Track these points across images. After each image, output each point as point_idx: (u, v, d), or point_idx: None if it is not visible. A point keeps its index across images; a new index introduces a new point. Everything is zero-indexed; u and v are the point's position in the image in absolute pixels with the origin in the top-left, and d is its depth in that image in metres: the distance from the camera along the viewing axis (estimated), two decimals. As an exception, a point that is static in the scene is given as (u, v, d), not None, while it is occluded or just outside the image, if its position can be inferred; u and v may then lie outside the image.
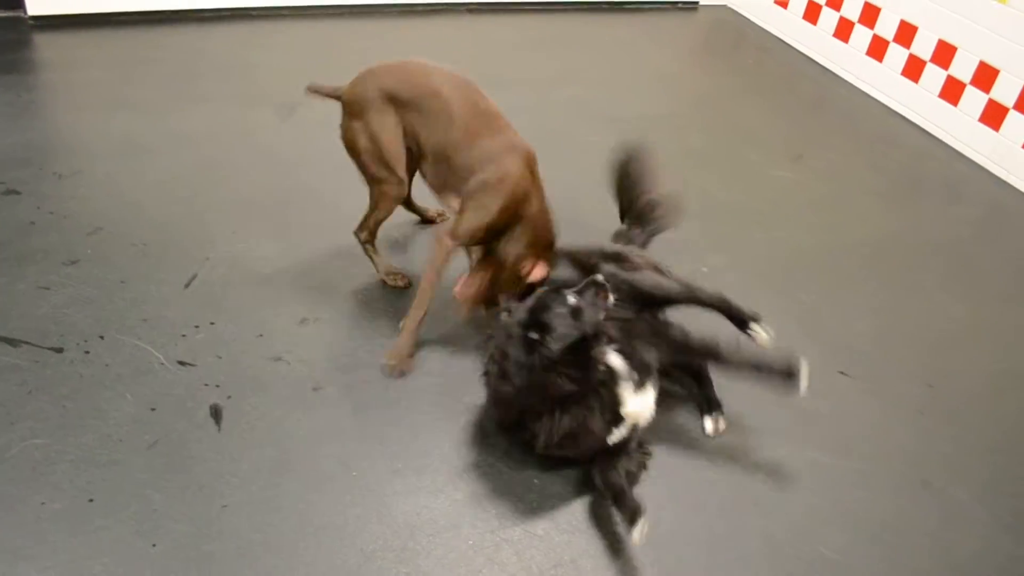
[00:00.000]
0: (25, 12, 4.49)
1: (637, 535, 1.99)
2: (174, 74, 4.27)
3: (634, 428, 2.26)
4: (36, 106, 3.85)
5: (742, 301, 2.97)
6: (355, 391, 2.48)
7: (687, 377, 2.64)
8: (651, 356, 2.32)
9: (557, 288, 2.20)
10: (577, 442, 2.19)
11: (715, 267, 3.25)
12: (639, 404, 2.24)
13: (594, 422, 2.17)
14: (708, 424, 2.51)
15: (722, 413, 2.53)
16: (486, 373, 2.26)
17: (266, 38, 4.79)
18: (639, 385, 2.24)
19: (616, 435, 2.22)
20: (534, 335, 2.08)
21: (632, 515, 2.03)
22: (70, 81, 4.11)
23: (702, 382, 2.59)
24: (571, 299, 2.14)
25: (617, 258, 2.56)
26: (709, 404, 2.55)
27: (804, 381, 2.28)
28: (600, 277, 2.21)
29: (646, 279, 2.47)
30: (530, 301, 2.18)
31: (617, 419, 2.20)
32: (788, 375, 2.29)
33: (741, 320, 2.41)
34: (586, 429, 2.17)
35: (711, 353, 2.38)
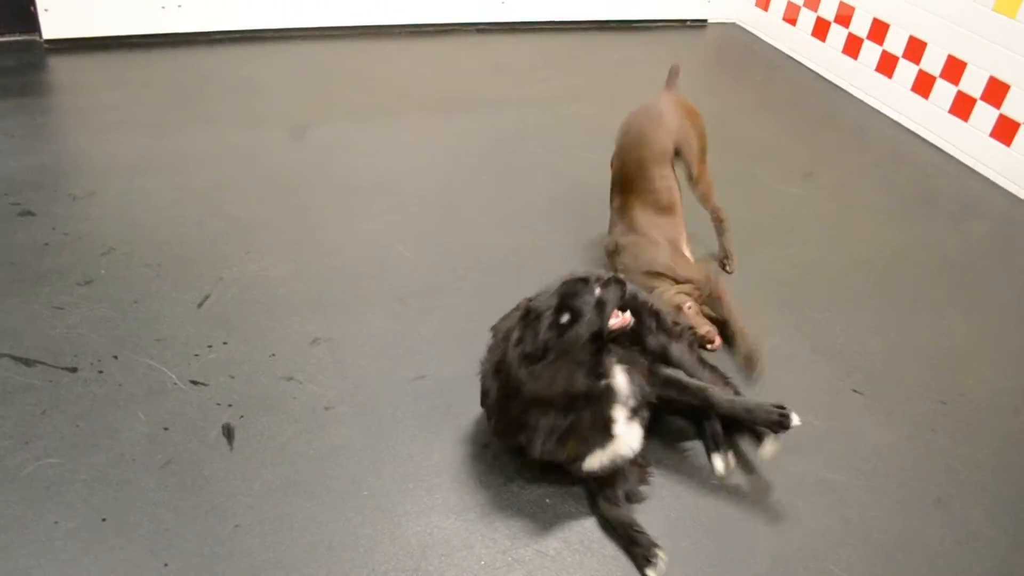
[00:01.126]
0: (40, 35, 4.55)
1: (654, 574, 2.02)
2: (185, 96, 4.32)
3: (615, 459, 2.21)
4: (50, 128, 3.89)
5: (753, 319, 3.00)
6: (366, 411, 2.49)
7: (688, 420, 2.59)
8: (647, 390, 2.30)
9: (584, 278, 2.17)
10: (567, 447, 2.16)
11: (726, 285, 3.24)
12: (628, 432, 2.21)
13: (586, 430, 2.15)
14: (718, 463, 2.42)
15: (731, 448, 2.47)
16: (488, 370, 2.26)
17: (275, 60, 4.84)
18: (632, 413, 2.22)
19: (599, 459, 2.18)
20: (565, 319, 2.06)
21: (647, 553, 2.05)
22: (83, 103, 4.16)
23: (706, 420, 2.51)
24: (597, 290, 2.12)
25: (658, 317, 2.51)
26: (716, 442, 2.46)
27: (792, 425, 2.25)
28: (621, 276, 2.21)
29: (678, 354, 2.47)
30: (559, 287, 2.14)
31: (606, 438, 2.18)
32: (779, 426, 2.26)
33: (755, 431, 2.39)
34: (580, 435, 2.15)
35: (703, 399, 2.36)
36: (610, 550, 2.16)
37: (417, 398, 2.56)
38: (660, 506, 2.30)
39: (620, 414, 2.18)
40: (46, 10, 4.48)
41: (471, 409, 2.50)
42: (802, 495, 2.38)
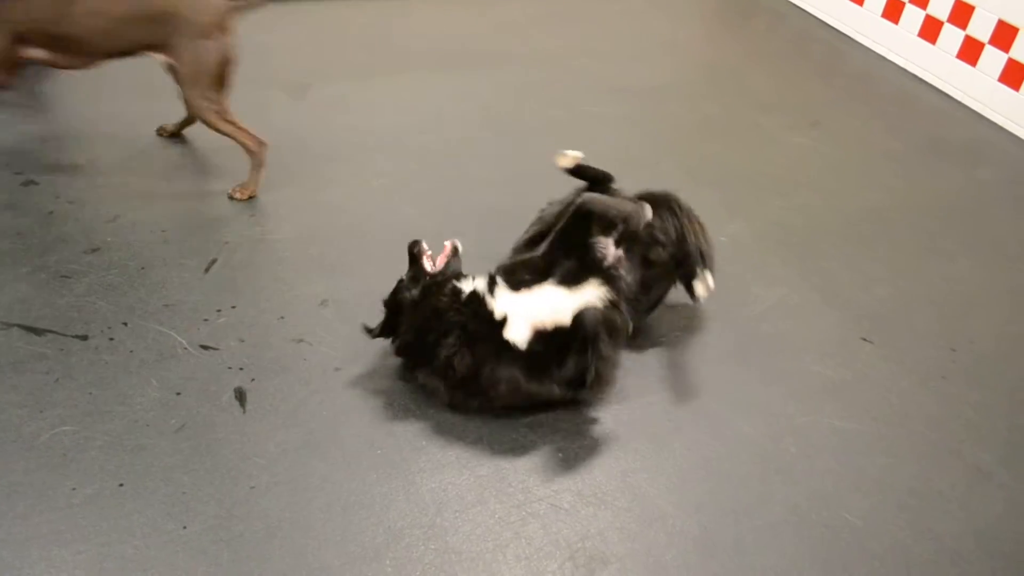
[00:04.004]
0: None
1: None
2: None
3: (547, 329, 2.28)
4: (50, 96, 3.85)
5: (762, 270, 2.99)
6: (376, 371, 2.50)
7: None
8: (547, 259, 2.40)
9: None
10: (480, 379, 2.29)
11: (734, 235, 3.23)
12: (521, 301, 2.31)
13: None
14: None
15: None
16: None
17: (276, 21, 4.75)
18: (520, 286, 2.34)
19: (515, 333, 2.27)
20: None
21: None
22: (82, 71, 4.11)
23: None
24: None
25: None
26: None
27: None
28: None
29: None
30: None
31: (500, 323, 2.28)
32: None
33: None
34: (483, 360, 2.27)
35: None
36: (623, 502, 2.17)
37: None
38: (671, 456, 2.31)
39: (497, 299, 2.34)
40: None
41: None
42: (814, 444, 2.39)
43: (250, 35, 4.51)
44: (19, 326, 2.55)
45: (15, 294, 2.66)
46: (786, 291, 2.99)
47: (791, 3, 5.59)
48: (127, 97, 3.84)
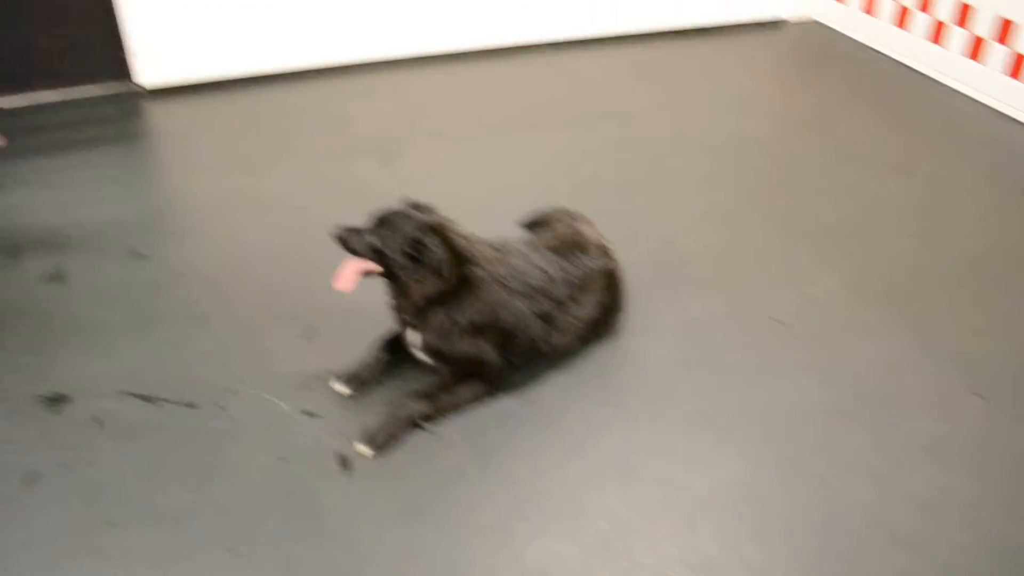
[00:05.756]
0: (135, 83, 4.74)
1: None
2: (279, 132, 4.43)
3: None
4: (152, 172, 4.06)
5: (858, 323, 2.92)
6: (475, 435, 2.52)
7: None
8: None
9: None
10: None
11: (828, 289, 3.17)
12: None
13: None
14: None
15: None
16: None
17: (360, 91, 4.92)
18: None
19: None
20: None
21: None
22: (182, 146, 4.32)
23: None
24: None
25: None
26: None
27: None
28: None
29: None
30: None
31: None
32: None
33: None
34: None
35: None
36: (733, 572, 2.13)
37: (523, 421, 2.57)
38: (779, 522, 2.25)
39: None
40: (137, 57, 4.66)
41: (581, 434, 2.52)
42: (930, 508, 2.30)
43: (336, 108, 4.70)
44: (132, 394, 2.66)
45: (129, 363, 2.78)
46: (886, 344, 2.91)
47: (869, 47, 5.53)
48: (224, 170, 4.01)
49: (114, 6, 4.52)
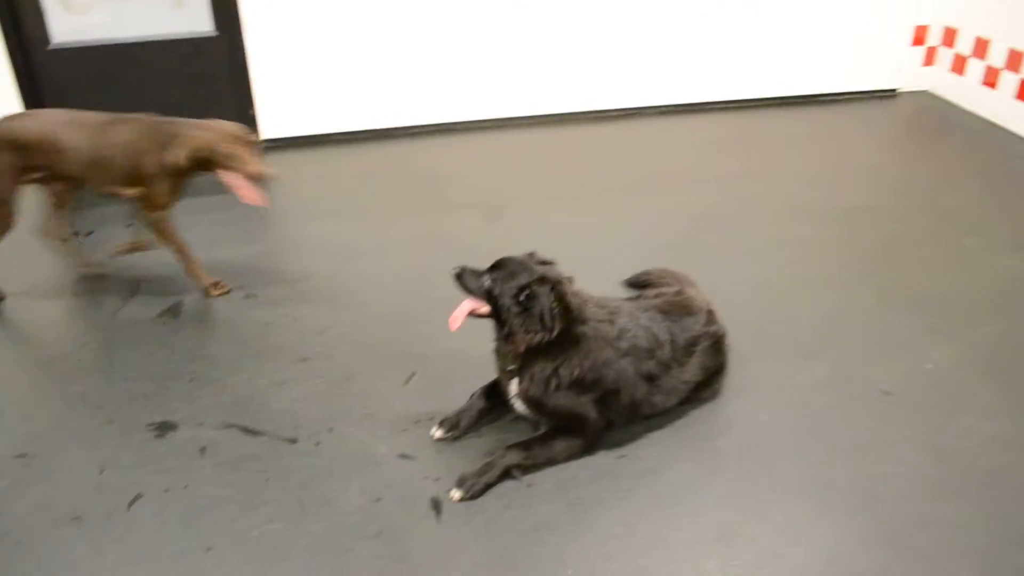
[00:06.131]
0: (259, 135, 5.03)
1: None
2: (387, 185, 4.62)
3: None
4: (269, 219, 4.26)
5: (974, 399, 2.78)
6: (569, 488, 2.49)
7: None
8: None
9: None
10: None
11: (939, 362, 3.04)
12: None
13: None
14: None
15: None
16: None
17: (467, 149, 5.09)
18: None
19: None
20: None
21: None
22: (296, 195, 4.54)
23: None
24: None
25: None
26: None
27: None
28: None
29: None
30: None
31: None
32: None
33: None
34: None
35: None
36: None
37: (619, 478, 2.53)
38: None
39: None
40: (262, 112, 4.98)
41: (677, 494, 2.47)
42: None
43: (444, 164, 4.86)
44: (237, 427, 2.75)
45: (236, 396, 2.89)
46: (1005, 422, 2.75)
47: (988, 121, 5.36)
48: (335, 219, 4.17)
49: (248, 69, 4.86)
